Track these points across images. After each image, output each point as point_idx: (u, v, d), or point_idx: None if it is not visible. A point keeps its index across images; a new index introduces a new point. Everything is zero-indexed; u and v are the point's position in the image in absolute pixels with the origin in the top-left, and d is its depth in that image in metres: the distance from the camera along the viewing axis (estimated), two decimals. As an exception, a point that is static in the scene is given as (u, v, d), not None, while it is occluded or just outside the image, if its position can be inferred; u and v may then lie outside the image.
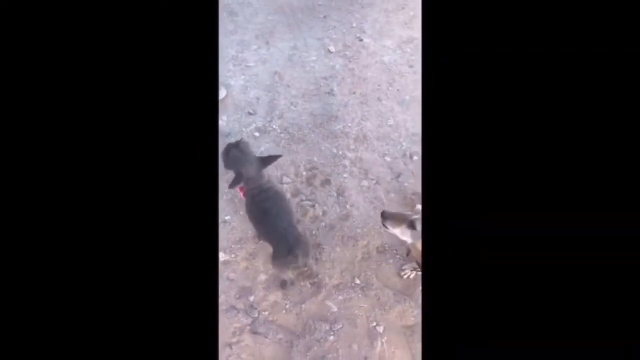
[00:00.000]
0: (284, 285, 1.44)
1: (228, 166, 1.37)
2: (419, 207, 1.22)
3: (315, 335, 1.36)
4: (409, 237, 1.19)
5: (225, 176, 1.64)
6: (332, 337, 1.35)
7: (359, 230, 1.59)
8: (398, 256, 1.53)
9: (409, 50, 2.27)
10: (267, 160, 1.39)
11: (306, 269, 1.46)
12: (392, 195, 1.69)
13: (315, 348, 1.33)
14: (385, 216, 1.22)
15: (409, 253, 1.44)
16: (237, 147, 1.37)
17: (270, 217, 1.31)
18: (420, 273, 1.45)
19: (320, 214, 1.64)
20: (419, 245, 1.18)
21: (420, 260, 1.27)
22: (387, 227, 1.23)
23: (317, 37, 2.36)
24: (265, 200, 1.34)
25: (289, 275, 1.41)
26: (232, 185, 1.32)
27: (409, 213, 1.21)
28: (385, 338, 1.35)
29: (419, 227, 1.15)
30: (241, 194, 1.41)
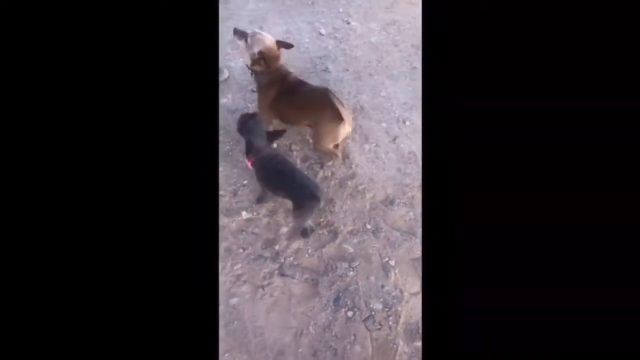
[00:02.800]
0: (305, 233, 1.62)
1: (242, 133, 1.54)
2: None
3: (337, 272, 1.55)
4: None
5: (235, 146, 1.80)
6: (351, 273, 1.55)
7: (364, 186, 1.79)
8: (401, 203, 1.75)
9: (392, 31, 2.51)
10: (274, 135, 1.59)
11: (326, 212, 1.67)
12: (391, 154, 1.91)
13: (338, 282, 1.53)
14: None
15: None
16: (253, 118, 1.55)
17: (286, 174, 1.50)
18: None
19: (329, 174, 1.83)
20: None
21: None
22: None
23: (307, 21, 2.54)
24: (276, 163, 1.53)
25: (310, 223, 1.60)
26: (247, 152, 1.52)
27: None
28: (397, 269, 1.56)
29: None
30: (249, 164, 1.57)
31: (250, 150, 1.51)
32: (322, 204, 1.49)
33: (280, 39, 1.74)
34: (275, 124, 1.86)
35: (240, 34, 1.70)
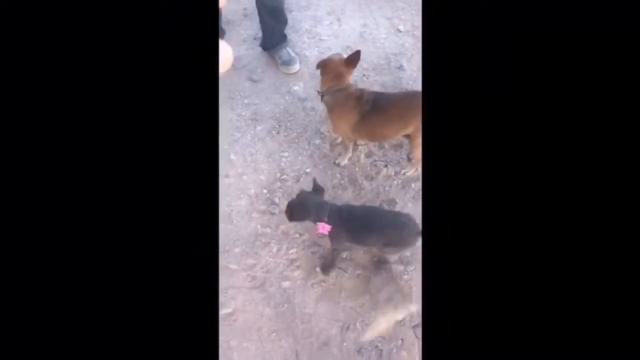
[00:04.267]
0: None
1: (299, 218, 1.36)
2: None
3: (391, 273, 1.52)
4: None
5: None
6: (406, 276, 1.51)
7: (428, 190, 1.73)
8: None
9: (474, 33, 2.38)
10: (317, 188, 1.37)
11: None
12: (460, 161, 1.83)
13: (391, 284, 1.50)
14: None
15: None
16: (297, 198, 1.37)
17: (375, 223, 1.31)
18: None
19: (392, 173, 1.79)
20: None
21: None
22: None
23: (386, 17, 2.49)
24: (353, 213, 1.34)
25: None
26: (314, 221, 1.31)
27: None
28: (454, 281, 1.50)
29: None
30: (325, 232, 1.33)
31: (315, 215, 1.31)
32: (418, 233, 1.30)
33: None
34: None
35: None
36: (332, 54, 1.67)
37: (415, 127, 1.53)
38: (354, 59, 1.57)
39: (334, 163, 1.82)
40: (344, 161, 1.81)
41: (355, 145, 1.88)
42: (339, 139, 1.86)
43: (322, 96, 1.64)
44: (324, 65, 1.60)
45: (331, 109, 1.63)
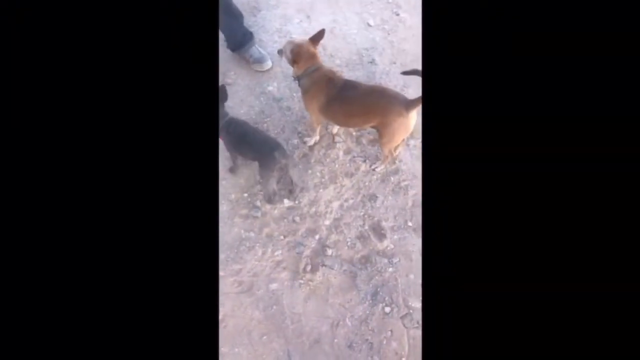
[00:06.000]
0: (270, 199, 1.65)
1: None
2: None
3: (376, 267, 1.55)
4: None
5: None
6: (390, 269, 1.54)
7: (407, 182, 1.77)
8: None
9: (442, 24, 2.42)
10: (221, 96, 1.56)
11: (289, 174, 1.68)
12: (436, 152, 1.87)
13: (377, 277, 1.53)
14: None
15: None
16: None
17: (248, 135, 1.57)
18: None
19: (371, 168, 1.81)
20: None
21: None
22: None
23: (355, 12, 2.50)
24: (236, 126, 1.59)
25: (274, 186, 1.63)
26: None
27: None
28: (438, 269, 1.54)
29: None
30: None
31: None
32: (283, 161, 1.53)
33: (327, 29, 1.70)
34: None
35: (280, 51, 1.70)
36: (290, 39, 1.67)
37: (378, 122, 1.56)
38: (318, 36, 1.64)
39: (303, 143, 1.88)
40: (311, 142, 1.87)
41: (334, 139, 1.90)
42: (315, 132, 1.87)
43: (299, 80, 1.67)
44: (297, 52, 1.61)
45: (307, 89, 1.66)
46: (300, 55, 1.60)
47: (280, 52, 1.70)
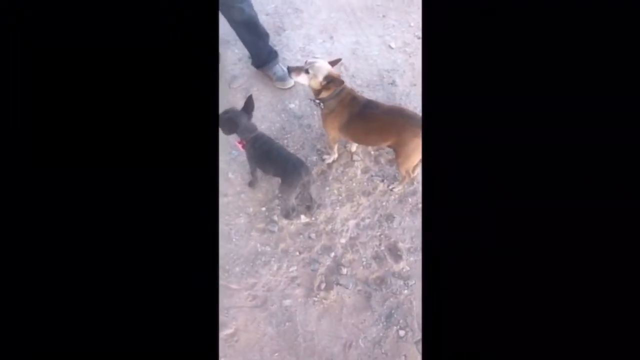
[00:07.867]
0: (288, 214, 1.67)
1: (227, 122, 1.56)
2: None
3: (391, 288, 1.53)
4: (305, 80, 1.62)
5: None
6: (405, 291, 1.53)
7: (425, 204, 1.76)
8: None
9: (463, 49, 2.45)
10: (248, 107, 1.61)
11: (310, 190, 1.68)
12: (454, 175, 1.86)
13: (391, 299, 1.51)
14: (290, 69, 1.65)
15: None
16: (227, 113, 1.59)
17: (272, 152, 1.59)
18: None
19: (389, 189, 1.82)
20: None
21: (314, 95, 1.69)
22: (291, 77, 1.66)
23: (377, 34, 2.56)
24: (262, 144, 1.61)
25: (293, 202, 1.65)
26: (229, 132, 1.56)
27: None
28: (454, 295, 1.51)
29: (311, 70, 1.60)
30: (240, 147, 1.65)
31: (235, 129, 1.57)
32: (306, 178, 1.55)
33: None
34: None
35: (296, 69, 1.64)
36: (310, 62, 1.64)
37: (394, 141, 1.59)
38: (336, 62, 1.69)
39: (322, 160, 1.90)
40: (329, 160, 1.89)
41: (352, 157, 1.92)
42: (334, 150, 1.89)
43: (324, 101, 1.68)
44: (332, 78, 1.62)
45: (333, 109, 1.67)
46: (335, 81, 1.61)
47: (291, 69, 1.66)
